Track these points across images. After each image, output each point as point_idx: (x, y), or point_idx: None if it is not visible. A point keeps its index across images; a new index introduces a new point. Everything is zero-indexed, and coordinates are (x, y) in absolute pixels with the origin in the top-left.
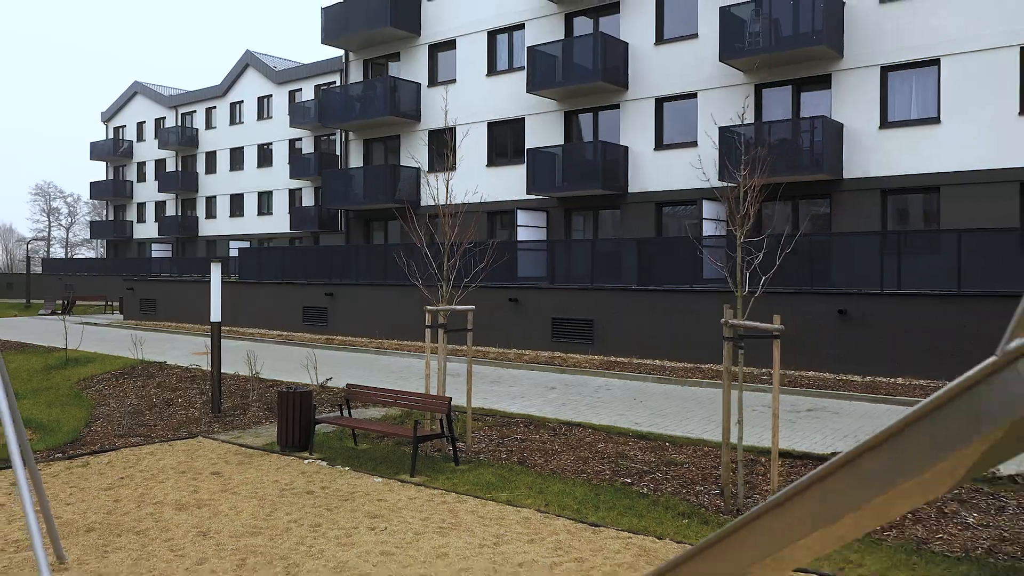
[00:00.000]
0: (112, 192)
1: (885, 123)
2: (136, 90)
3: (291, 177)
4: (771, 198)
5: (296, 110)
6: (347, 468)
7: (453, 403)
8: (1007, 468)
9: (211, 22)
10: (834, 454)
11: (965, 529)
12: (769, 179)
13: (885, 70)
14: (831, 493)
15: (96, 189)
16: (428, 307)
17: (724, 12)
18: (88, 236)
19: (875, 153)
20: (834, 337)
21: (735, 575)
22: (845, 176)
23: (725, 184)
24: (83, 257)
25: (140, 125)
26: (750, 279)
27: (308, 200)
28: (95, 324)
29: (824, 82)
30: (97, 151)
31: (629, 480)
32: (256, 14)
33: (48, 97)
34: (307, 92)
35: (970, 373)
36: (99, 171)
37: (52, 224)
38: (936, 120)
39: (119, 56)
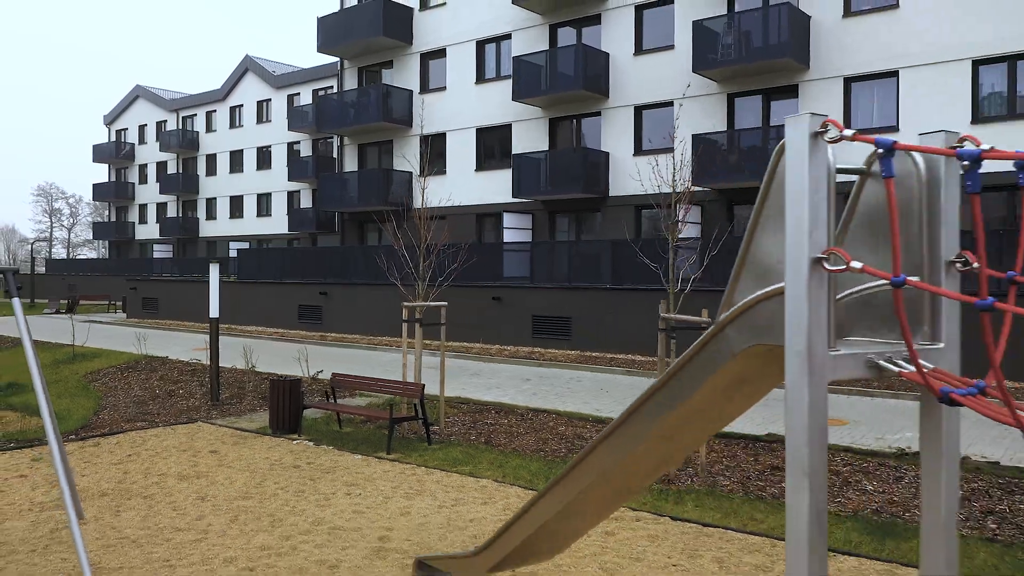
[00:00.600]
0: (114, 194)
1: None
2: (138, 93)
3: (289, 179)
4: (738, 201)
5: (294, 114)
6: (331, 447)
7: (432, 392)
8: (908, 442)
9: (211, 22)
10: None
11: (862, 494)
12: (741, 184)
13: (848, 81)
14: (620, 438)
15: (99, 191)
16: (404, 303)
17: (697, 25)
18: (90, 237)
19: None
20: None
21: (550, 528)
22: None
23: (659, 192)
24: (86, 257)
25: (142, 128)
26: (682, 279)
27: (306, 202)
28: (99, 322)
29: (792, 92)
30: (99, 153)
31: (550, 452)
32: (256, 14)
33: (48, 97)
34: (305, 96)
35: (702, 337)
36: (101, 173)
37: (54, 225)
38: (896, 128)
39: (119, 56)
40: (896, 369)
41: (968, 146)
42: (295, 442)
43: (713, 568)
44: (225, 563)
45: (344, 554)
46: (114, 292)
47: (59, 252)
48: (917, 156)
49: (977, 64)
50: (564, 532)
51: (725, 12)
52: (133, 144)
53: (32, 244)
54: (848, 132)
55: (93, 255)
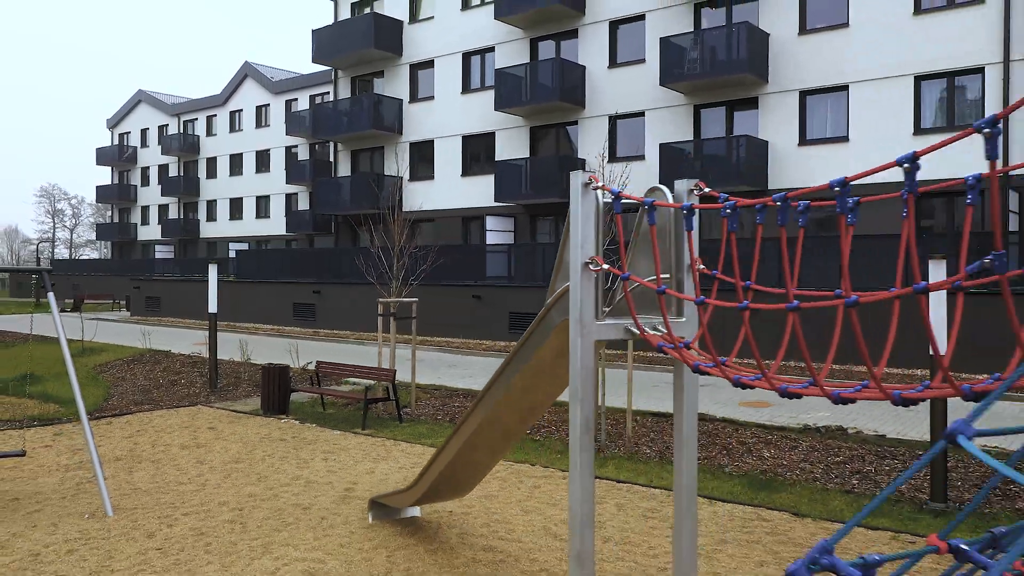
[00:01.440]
0: (117, 196)
1: (804, 140)
2: (140, 98)
3: (287, 182)
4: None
5: (292, 119)
6: (314, 425)
7: (410, 379)
8: (819, 420)
9: (211, 23)
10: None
11: (759, 460)
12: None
13: (804, 94)
14: (495, 390)
15: (102, 193)
16: (379, 300)
17: (664, 42)
18: (92, 237)
19: (796, 166)
20: None
21: (449, 475)
22: (770, 187)
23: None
24: (89, 258)
25: (144, 132)
26: None
27: (303, 204)
28: (105, 320)
29: (753, 104)
30: (103, 156)
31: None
32: (255, 15)
33: (48, 97)
34: (303, 102)
35: (537, 316)
36: (104, 175)
37: (56, 225)
38: (845, 139)
39: (118, 56)
40: (639, 333)
41: (693, 196)
42: (283, 421)
43: (612, 511)
44: (219, 505)
45: (316, 500)
46: (117, 291)
47: (61, 252)
48: (669, 196)
49: (919, 80)
50: (469, 469)
51: (692, 29)
52: (135, 147)
53: (37, 245)
54: (602, 184)
55: (95, 255)
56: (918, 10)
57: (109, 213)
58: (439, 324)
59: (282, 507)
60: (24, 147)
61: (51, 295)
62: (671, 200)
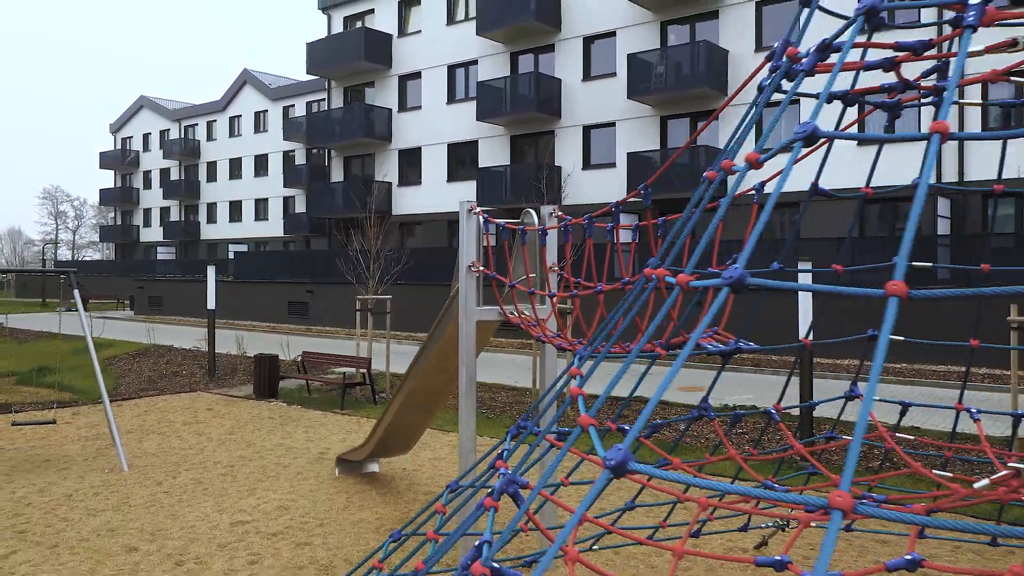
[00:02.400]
0: (120, 199)
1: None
2: (142, 104)
3: (285, 186)
4: (668, 211)
5: (289, 125)
6: (299, 406)
7: (385, 369)
8: (744, 401)
9: (211, 23)
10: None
11: (675, 432)
12: (672, 195)
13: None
14: (422, 360)
15: (105, 196)
16: (357, 297)
17: (632, 57)
18: (94, 239)
19: (753, 174)
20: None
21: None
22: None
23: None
24: (93, 259)
25: (146, 136)
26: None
27: (300, 207)
28: (111, 318)
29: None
30: (106, 160)
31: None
32: (255, 15)
33: (48, 98)
34: (299, 108)
35: (444, 305)
36: (107, 179)
37: (59, 227)
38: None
39: (118, 56)
40: (508, 315)
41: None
42: (272, 403)
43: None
44: (214, 464)
45: (294, 460)
46: (120, 292)
47: (64, 254)
48: (535, 219)
49: None
50: (408, 426)
51: (659, 46)
52: (138, 151)
53: (43, 247)
54: (479, 210)
55: (97, 256)
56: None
57: (112, 215)
58: (420, 321)
59: (266, 465)
60: (25, 148)
61: (76, 293)
62: (536, 223)
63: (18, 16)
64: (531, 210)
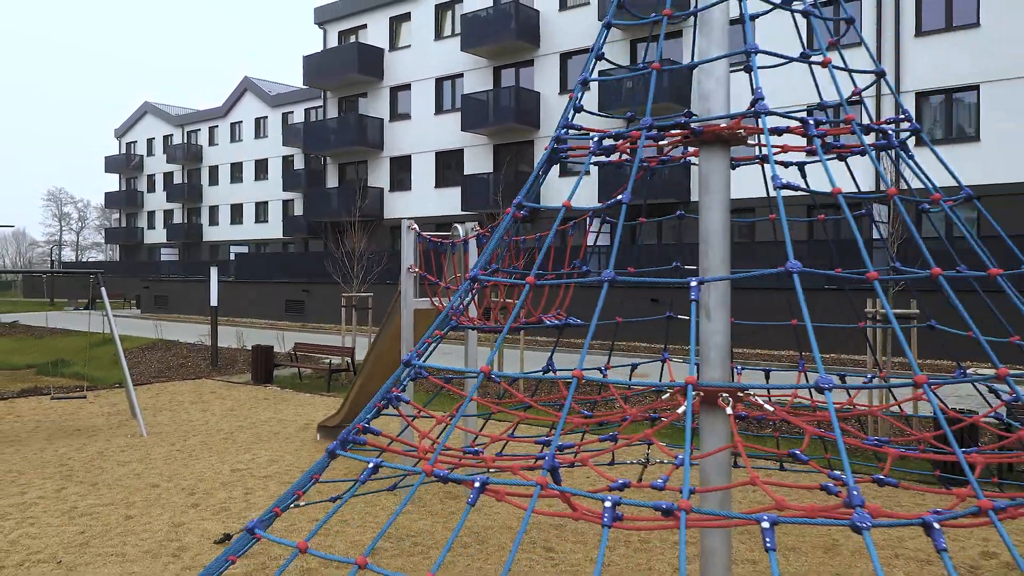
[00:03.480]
0: (125, 202)
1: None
2: (146, 109)
3: (284, 189)
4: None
5: (288, 131)
6: (291, 390)
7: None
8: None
9: (212, 23)
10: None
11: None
12: (649, 200)
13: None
14: (380, 338)
15: (110, 199)
16: (343, 294)
17: (603, 74)
18: (98, 240)
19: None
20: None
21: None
22: (691, 199)
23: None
24: (99, 260)
25: (150, 141)
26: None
27: (299, 210)
28: (119, 316)
29: None
30: (111, 164)
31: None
32: (255, 15)
33: (50, 98)
34: (298, 115)
35: (394, 297)
36: (112, 182)
37: (63, 228)
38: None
39: (119, 57)
40: (437, 306)
41: (459, 228)
42: (268, 387)
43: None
44: (217, 431)
45: (283, 428)
46: (127, 291)
47: (67, 255)
48: (461, 231)
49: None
50: (370, 395)
51: (628, 63)
52: (142, 156)
53: (51, 248)
54: (416, 227)
55: (101, 257)
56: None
57: (117, 217)
58: None
59: (260, 432)
60: (27, 148)
61: (103, 290)
62: (462, 235)
63: (23, 17)
64: (457, 225)
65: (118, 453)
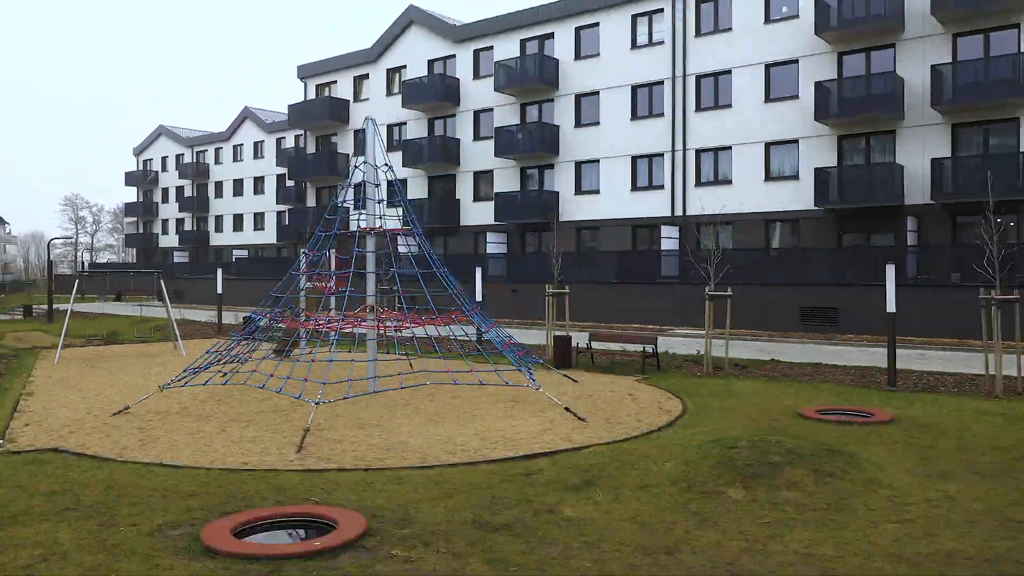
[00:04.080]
0: (142, 211)
1: (579, 190)
2: (160, 132)
3: (278, 203)
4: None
5: (282, 154)
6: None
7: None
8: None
9: (213, 23)
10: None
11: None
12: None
13: (579, 164)
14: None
15: (130, 208)
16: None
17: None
18: (110, 242)
19: (573, 206)
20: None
21: None
22: (562, 219)
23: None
24: (123, 262)
25: (164, 159)
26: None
27: (289, 220)
28: (147, 306)
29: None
30: (130, 179)
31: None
32: (255, 15)
33: (49, 97)
34: (289, 140)
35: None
36: (131, 194)
37: (78, 231)
38: (597, 192)
39: (120, 57)
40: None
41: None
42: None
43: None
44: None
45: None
46: (148, 287)
47: (83, 256)
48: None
49: (637, 160)
50: None
51: (519, 121)
52: (157, 171)
53: (84, 249)
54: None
55: (114, 258)
56: (634, 116)
57: (135, 224)
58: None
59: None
60: (43, 152)
61: (162, 283)
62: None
63: (24, 19)
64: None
65: (163, 367)
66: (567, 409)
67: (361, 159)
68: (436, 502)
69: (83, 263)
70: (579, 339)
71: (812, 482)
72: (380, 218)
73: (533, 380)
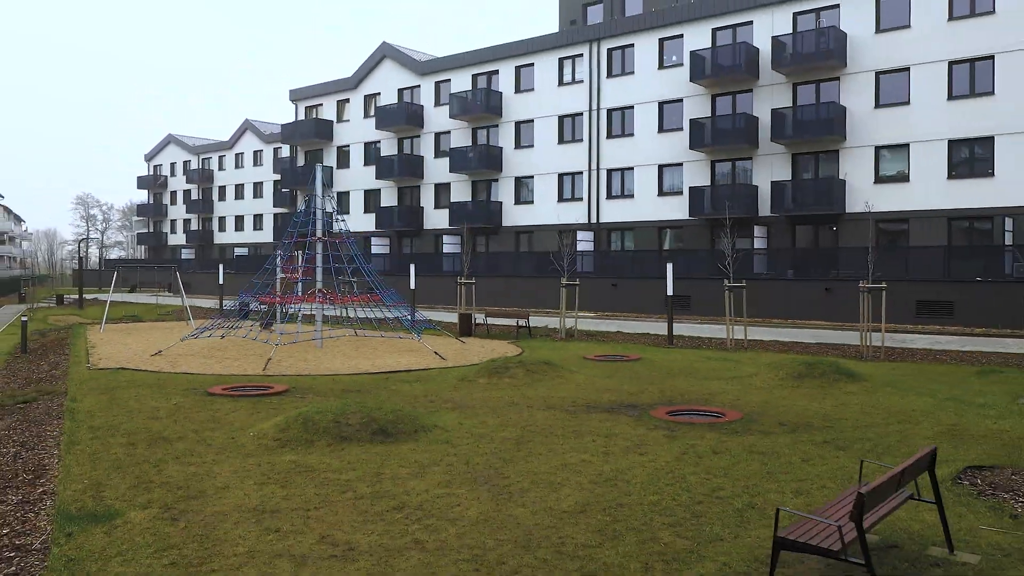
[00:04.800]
0: (152, 212)
1: (518, 201)
2: (169, 140)
3: (274, 206)
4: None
5: (278, 162)
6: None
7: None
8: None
9: (213, 24)
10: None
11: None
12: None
13: (518, 179)
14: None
15: (141, 209)
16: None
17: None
18: (119, 239)
19: (514, 214)
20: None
21: None
22: (505, 225)
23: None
24: (135, 258)
25: (172, 165)
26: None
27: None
28: (160, 295)
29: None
30: (142, 183)
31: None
32: (257, 17)
33: (50, 98)
34: (285, 151)
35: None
36: (142, 196)
37: (88, 229)
38: (532, 202)
39: (118, 56)
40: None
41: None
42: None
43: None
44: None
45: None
46: (161, 280)
47: (93, 252)
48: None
49: (563, 176)
50: None
51: (470, 142)
52: (166, 176)
53: (101, 248)
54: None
55: (123, 254)
56: (560, 141)
57: (145, 224)
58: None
59: (249, 348)
60: (44, 152)
61: (178, 276)
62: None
63: (28, 20)
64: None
65: (182, 331)
66: (436, 353)
67: (306, 195)
68: (329, 384)
69: (101, 259)
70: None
71: (523, 374)
72: (325, 232)
73: (417, 336)
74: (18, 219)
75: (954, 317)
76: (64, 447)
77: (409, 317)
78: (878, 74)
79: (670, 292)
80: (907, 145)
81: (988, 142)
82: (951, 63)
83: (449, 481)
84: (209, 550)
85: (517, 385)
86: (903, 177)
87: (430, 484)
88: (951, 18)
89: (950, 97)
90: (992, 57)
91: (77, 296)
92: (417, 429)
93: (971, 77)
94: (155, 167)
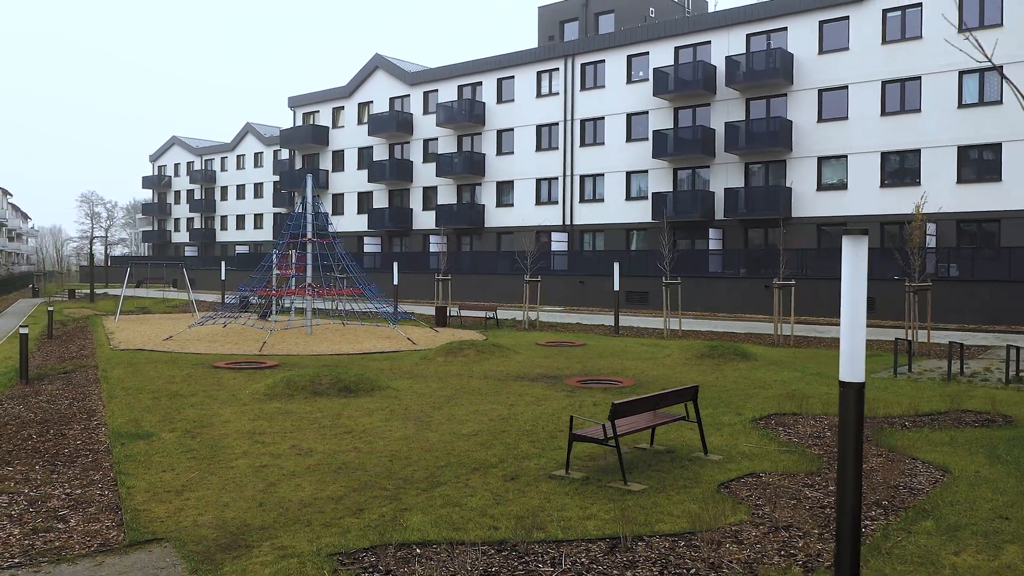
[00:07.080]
0: (157, 211)
1: (499, 203)
2: (174, 141)
3: (274, 206)
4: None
5: (278, 164)
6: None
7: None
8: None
9: (213, 24)
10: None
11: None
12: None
13: (499, 183)
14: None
15: (146, 208)
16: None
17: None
18: (123, 236)
19: (495, 215)
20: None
21: None
22: (487, 226)
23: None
24: (140, 255)
25: (176, 165)
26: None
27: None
28: (167, 290)
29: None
30: (146, 183)
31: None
32: (258, 21)
33: (53, 99)
34: (284, 153)
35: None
36: (147, 195)
37: (93, 226)
38: (512, 205)
39: (119, 56)
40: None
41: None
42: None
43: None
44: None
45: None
46: (166, 276)
47: (98, 249)
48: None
49: (540, 181)
50: None
51: (456, 149)
52: (170, 176)
53: (108, 245)
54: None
55: (127, 252)
56: (538, 148)
57: (150, 220)
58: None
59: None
60: (47, 151)
61: (184, 272)
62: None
63: (55, 25)
64: (291, 250)
65: (189, 320)
66: (408, 338)
67: (300, 199)
68: (313, 361)
69: (106, 256)
70: (467, 311)
71: (475, 353)
72: (315, 234)
73: (393, 325)
74: (25, 216)
75: (875, 311)
76: (106, 399)
77: (389, 309)
78: (821, 91)
79: (616, 288)
80: (845, 156)
81: (915, 155)
82: (884, 82)
83: (388, 419)
84: (216, 452)
85: (467, 362)
86: (842, 185)
87: (374, 421)
88: (884, 42)
89: (883, 113)
90: (919, 78)
91: (88, 291)
92: (374, 388)
93: (902, 95)
94: (159, 167)
